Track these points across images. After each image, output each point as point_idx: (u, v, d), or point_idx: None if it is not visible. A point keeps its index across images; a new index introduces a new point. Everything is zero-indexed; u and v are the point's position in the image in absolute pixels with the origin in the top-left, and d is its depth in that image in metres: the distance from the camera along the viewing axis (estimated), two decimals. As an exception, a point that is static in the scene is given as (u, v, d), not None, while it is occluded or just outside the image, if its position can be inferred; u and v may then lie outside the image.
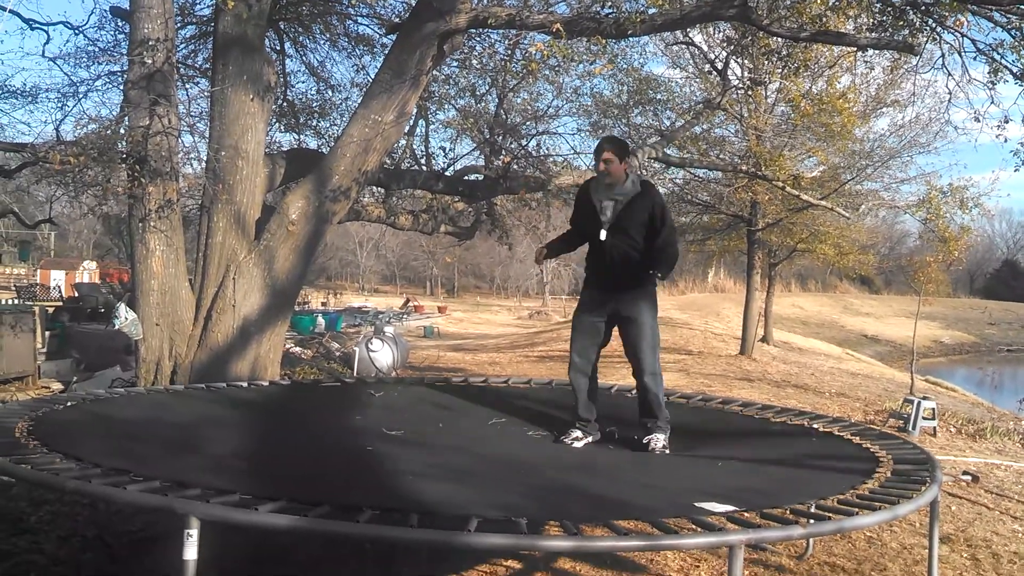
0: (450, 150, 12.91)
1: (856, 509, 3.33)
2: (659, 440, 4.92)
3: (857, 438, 5.04)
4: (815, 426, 5.41)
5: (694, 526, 3.08)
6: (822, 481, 3.96)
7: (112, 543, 4.91)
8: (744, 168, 14.74)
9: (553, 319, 37.83)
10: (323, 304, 33.11)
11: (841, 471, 4.13)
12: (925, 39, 7.97)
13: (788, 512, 3.30)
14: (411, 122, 10.72)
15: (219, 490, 3.20)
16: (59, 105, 8.73)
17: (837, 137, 15.44)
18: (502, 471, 4.18)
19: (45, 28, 9.79)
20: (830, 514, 3.26)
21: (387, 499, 3.36)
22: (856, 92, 15.63)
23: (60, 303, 20.88)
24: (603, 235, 5.01)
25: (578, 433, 5.04)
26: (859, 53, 11.67)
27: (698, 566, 4.94)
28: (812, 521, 3.20)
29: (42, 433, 4.07)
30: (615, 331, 5.16)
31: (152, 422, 4.78)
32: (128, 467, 3.43)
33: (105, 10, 10.25)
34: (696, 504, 3.33)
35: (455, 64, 11.56)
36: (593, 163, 5.17)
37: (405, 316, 29.72)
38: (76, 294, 21.41)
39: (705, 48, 14.79)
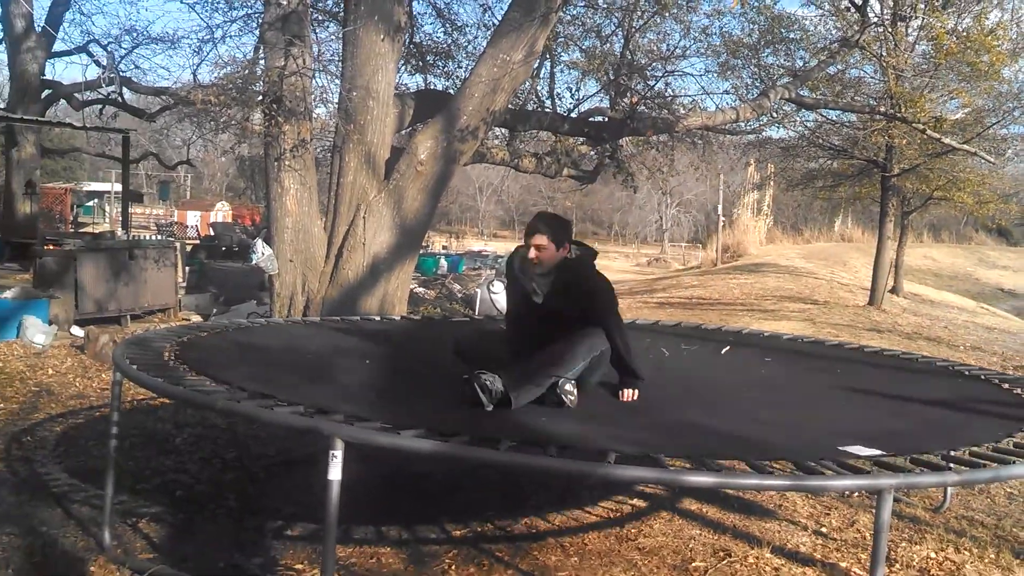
0: (575, 91, 12.75)
1: (1013, 458, 3.15)
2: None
3: (1007, 384, 4.81)
4: (963, 371, 5.18)
5: (839, 468, 2.98)
6: (975, 427, 3.77)
7: (250, 466, 5.14)
8: (882, 110, 14.03)
9: (672, 266, 37.27)
10: (444, 248, 33.55)
11: (996, 415, 3.93)
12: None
13: (940, 458, 3.15)
14: (536, 63, 10.64)
15: (359, 417, 3.27)
16: (196, 50, 9.03)
17: (983, 77, 14.52)
18: (627, 410, 4.12)
19: (184, -28, 10.11)
20: (985, 462, 3.10)
21: (522, 432, 3.38)
22: (1006, 29, 14.63)
23: (197, 241, 21.84)
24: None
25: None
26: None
27: (828, 513, 4.80)
28: (966, 468, 3.05)
29: (190, 358, 4.25)
30: None
31: (291, 350, 4.93)
32: (272, 391, 3.54)
33: (240, -49, 10.48)
34: (840, 448, 3.22)
35: (582, 5, 11.40)
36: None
37: (524, 260, 29.69)
38: (212, 233, 22.32)
39: (844, -18, 14.03)
